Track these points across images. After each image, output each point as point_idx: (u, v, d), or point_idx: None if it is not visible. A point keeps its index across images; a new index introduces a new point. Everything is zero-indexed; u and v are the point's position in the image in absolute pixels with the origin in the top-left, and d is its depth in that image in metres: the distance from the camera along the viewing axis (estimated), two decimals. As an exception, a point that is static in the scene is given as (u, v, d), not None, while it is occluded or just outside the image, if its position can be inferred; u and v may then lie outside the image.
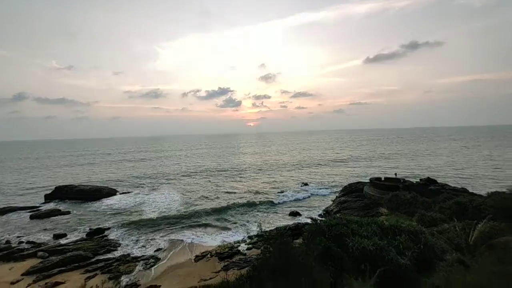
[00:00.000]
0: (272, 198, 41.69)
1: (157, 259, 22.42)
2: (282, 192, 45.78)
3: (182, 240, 26.49)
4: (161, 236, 27.55)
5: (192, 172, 67.68)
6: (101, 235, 27.98)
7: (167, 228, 29.60)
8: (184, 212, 35.38)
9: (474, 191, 30.30)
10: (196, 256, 22.55)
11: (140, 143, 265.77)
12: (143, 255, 23.15)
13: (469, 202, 18.55)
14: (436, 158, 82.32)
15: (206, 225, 30.67)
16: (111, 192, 46.60)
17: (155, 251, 24.05)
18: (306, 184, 50.84)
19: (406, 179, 36.08)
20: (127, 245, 25.61)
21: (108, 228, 29.90)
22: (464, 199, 19.68)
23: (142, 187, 52.26)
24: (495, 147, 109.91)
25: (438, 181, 36.70)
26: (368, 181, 36.10)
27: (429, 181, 36.52)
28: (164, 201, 41.23)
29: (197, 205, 38.77)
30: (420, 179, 38.45)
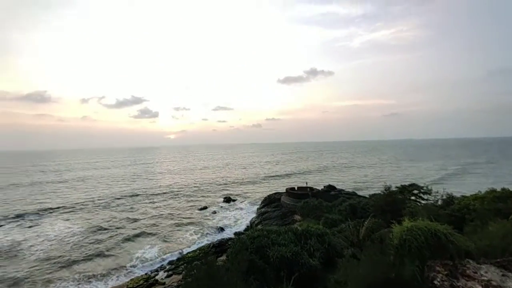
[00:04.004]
0: (195, 217, 39.86)
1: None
2: (205, 208, 44.47)
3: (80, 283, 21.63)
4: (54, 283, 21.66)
5: (94, 200, 53.31)
6: None
7: (55, 272, 23.45)
8: (84, 248, 28.77)
9: (361, 194, 37.86)
10: (100, 297, 18.79)
11: (15, 159, 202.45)
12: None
13: (357, 204, 23.03)
14: (334, 169, 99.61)
15: (115, 259, 26.08)
16: (-36, 231, 33.67)
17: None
18: (230, 199, 51.15)
19: (314, 187, 41.71)
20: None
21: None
22: (354, 201, 24.34)
23: (15, 221, 39.31)
24: (370, 156, 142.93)
25: (337, 187, 44.03)
26: (284, 191, 39.72)
27: (330, 187, 43.35)
28: (53, 238, 31.99)
29: (100, 239, 31.40)
30: (324, 186, 45.21)
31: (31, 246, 29.42)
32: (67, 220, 39.76)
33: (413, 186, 22.96)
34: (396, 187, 23.23)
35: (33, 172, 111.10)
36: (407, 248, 5.57)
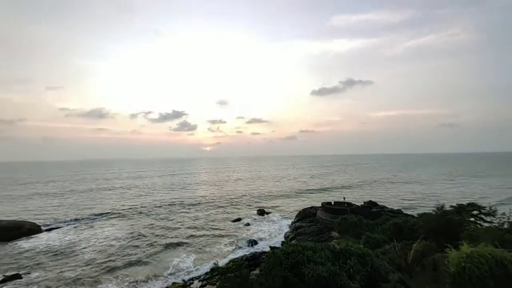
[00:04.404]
0: (228, 229, 40.28)
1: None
2: (238, 220, 44.70)
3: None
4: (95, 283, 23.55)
5: (137, 207, 57.55)
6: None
7: (102, 274, 25.32)
8: (126, 252, 30.83)
9: (408, 213, 34.33)
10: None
11: (77, 168, 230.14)
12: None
13: (404, 223, 20.86)
14: (375, 184, 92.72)
15: (153, 266, 27.44)
16: (34, 229, 38.88)
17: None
18: (263, 212, 50.73)
19: (353, 202, 39.17)
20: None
21: (29, 273, 24.51)
22: (400, 220, 22.10)
23: (72, 224, 44.26)
24: (418, 171, 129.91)
25: (378, 204, 40.72)
26: (320, 205, 38.03)
27: (371, 204, 40.29)
28: (102, 241, 35.04)
29: (141, 245, 33.38)
30: (364, 202, 42.21)
31: (84, 247, 32.63)
32: (114, 225, 43.35)
33: (472, 205, 20.12)
34: (451, 206, 20.61)
35: (89, 180, 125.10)
36: (467, 277, 4.81)
